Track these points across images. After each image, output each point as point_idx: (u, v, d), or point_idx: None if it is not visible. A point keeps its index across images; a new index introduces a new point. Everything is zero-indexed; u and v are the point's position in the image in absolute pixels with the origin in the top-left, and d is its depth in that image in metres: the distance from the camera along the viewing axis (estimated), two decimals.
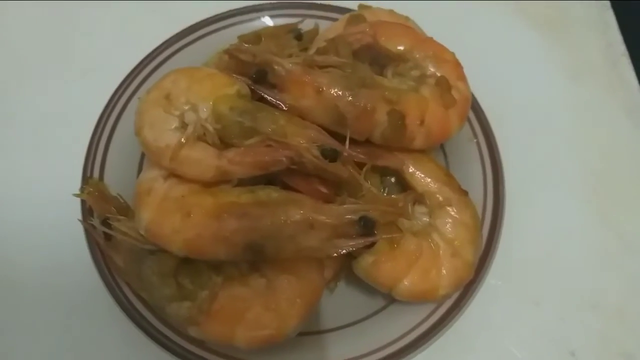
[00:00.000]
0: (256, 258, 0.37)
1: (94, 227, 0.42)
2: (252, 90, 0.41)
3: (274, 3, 0.53)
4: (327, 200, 0.39)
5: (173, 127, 0.39)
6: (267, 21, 0.52)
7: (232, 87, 0.40)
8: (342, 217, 0.37)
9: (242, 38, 0.47)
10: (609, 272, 0.49)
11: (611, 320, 0.47)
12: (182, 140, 0.38)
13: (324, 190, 0.40)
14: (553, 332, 0.47)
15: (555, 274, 0.49)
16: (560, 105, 0.57)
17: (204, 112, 0.39)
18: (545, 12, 0.62)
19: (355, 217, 0.37)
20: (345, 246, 0.37)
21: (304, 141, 0.38)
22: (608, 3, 0.62)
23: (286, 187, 0.40)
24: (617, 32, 0.61)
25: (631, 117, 0.56)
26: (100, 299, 0.43)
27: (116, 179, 0.46)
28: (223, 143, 0.39)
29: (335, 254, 0.37)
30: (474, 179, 0.47)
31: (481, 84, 0.48)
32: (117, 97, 0.48)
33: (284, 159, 0.38)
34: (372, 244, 0.39)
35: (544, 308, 0.47)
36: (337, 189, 0.40)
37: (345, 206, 0.38)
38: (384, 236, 0.38)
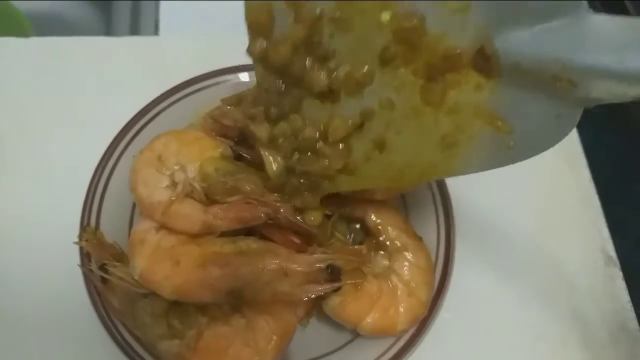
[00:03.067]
0: (237, 302, 0.41)
1: (91, 271, 0.46)
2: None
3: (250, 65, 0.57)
4: (300, 249, 0.43)
5: (164, 185, 0.44)
6: (244, 77, 0.56)
7: (217, 150, 0.45)
8: (312, 265, 0.42)
9: (225, 101, 0.50)
10: (552, 304, 0.54)
11: (555, 348, 0.52)
12: (172, 197, 0.43)
13: (296, 240, 0.44)
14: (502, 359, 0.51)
15: (503, 306, 0.53)
16: None
17: (192, 172, 0.44)
18: None
19: (323, 265, 0.42)
20: (315, 291, 0.41)
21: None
22: None
23: (263, 237, 0.45)
24: None
25: (571, 166, 0.61)
26: (97, 336, 0.45)
27: (111, 227, 0.49)
28: (208, 199, 0.44)
29: (306, 298, 0.42)
30: (429, 224, 0.51)
31: None
32: (110, 151, 0.52)
33: (262, 215, 0.43)
34: (339, 289, 0.43)
35: (492, 337, 0.52)
36: (308, 239, 0.45)
37: (315, 256, 0.42)
38: (349, 282, 0.43)
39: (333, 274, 0.42)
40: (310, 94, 0.41)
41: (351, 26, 0.37)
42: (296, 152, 0.43)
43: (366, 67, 0.38)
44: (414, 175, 0.40)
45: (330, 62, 0.39)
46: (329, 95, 0.40)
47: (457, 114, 0.37)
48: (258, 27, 0.39)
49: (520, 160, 0.36)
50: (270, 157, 0.43)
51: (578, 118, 0.33)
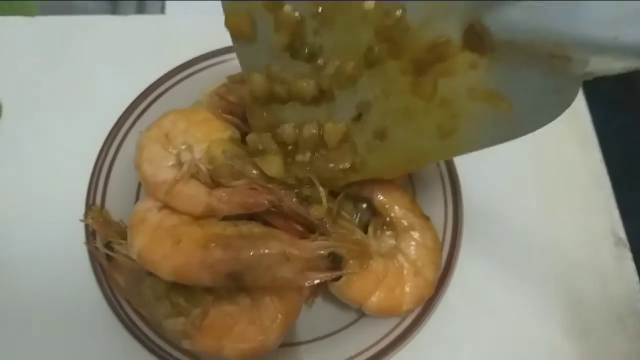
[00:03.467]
0: (236, 285, 0.41)
1: (97, 249, 0.46)
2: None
3: None
4: (302, 237, 0.43)
5: (170, 164, 0.44)
6: None
7: (225, 132, 0.45)
8: (313, 251, 0.41)
9: (231, 78, 0.50)
10: (558, 287, 0.53)
11: (559, 331, 0.51)
12: (177, 177, 0.43)
13: (299, 228, 0.44)
14: (506, 342, 0.51)
15: (508, 289, 0.52)
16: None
17: (199, 153, 0.44)
18: None
19: (325, 252, 0.42)
20: (315, 278, 0.41)
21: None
22: None
23: (266, 223, 0.44)
24: None
25: (582, 147, 0.61)
26: (101, 314, 0.46)
27: (116, 206, 0.49)
28: (213, 182, 0.43)
29: (306, 285, 0.41)
30: (437, 203, 0.51)
31: None
32: (116, 129, 0.52)
33: (265, 202, 0.43)
34: (339, 278, 0.43)
35: (497, 321, 0.51)
36: (311, 228, 0.44)
37: (317, 242, 0.42)
38: (348, 272, 0.43)
39: (334, 262, 0.42)
40: (304, 103, 0.41)
41: (334, 20, 0.37)
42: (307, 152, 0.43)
43: (354, 62, 0.38)
44: (419, 160, 0.40)
45: (319, 59, 0.39)
46: (323, 97, 0.40)
47: (450, 104, 0.37)
48: (239, 32, 0.39)
49: (523, 134, 0.35)
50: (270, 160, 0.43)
51: (577, 91, 0.32)
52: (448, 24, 0.34)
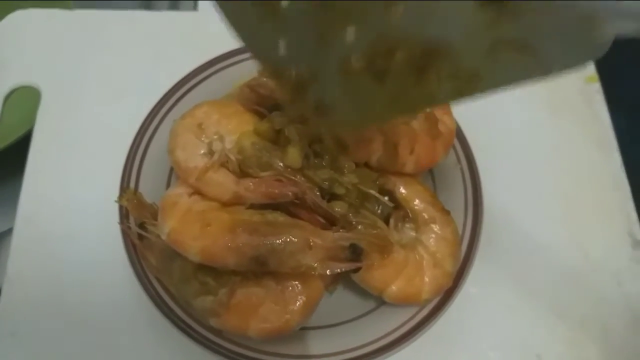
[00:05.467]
0: (260, 269, 0.43)
1: (129, 228, 0.49)
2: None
3: None
4: (324, 229, 0.45)
5: (201, 152, 0.46)
6: None
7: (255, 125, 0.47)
8: (335, 242, 0.43)
9: (262, 72, 0.51)
10: (575, 285, 0.54)
11: (575, 328, 0.52)
12: (208, 165, 0.45)
13: (321, 220, 0.45)
14: (523, 336, 0.52)
15: (527, 285, 0.54)
16: (539, 137, 0.62)
17: (229, 143, 0.46)
18: None
19: (346, 243, 0.43)
20: (335, 267, 0.43)
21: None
22: None
23: (290, 213, 0.46)
24: (594, 70, 0.66)
25: (602, 150, 0.62)
26: (132, 291, 0.48)
27: (148, 190, 0.51)
28: (242, 171, 0.45)
29: (326, 274, 0.43)
30: (457, 199, 0.53)
31: (468, 118, 0.54)
32: (151, 116, 0.54)
33: (290, 193, 0.44)
34: (358, 269, 0.44)
35: (515, 315, 0.52)
36: (332, 221, 0.46)
37: (338, 233, 0.44)
38: (368, 264, 0.44)
39: (354, 253, 0.43)
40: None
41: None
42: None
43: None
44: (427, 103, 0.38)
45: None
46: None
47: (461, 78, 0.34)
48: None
49: (546, 76, 0.33)
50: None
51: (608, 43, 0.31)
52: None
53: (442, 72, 0.35)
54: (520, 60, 0.33)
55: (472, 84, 0.35)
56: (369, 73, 0.35)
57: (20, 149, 0.58)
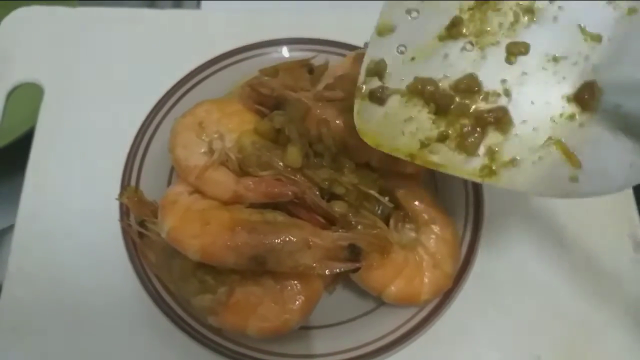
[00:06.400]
0: (259, 268, 0.42)
1: (130, 226, 0.49)
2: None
3: (291, 39, 0.58)
4: (323, 228, 0.45)
5: (202, 150, 0.46)
6: (285, 53, 0.58)
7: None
8: (335, 241, 0.43)
9: (263, 71, 0.52)
10: (575, 287, 0.54)
11: (575, 330, 0.52)
12: (208, 163, 0.45)
13: (321, 220, 0.45)
14: (522, 337, 0.51)
15: (527, 286, 0.53)
16: None
17: (230, 142, 0.46)
18: None
19: (345, 243, 0.43)
20: (334, 267, 0.43)
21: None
22: None
23: (289, 212, 0.46)
24: None
25: None
26: (131, 288, 0.48)
27: (149, 188, 0.51)
28: (242, 170, 0.45)
29: (325, 274, 0.43)
30: (459, 200, 0.52)
31: None
32: (152, 115, 0.54)
33: (289, 193, 0.44)
34: (357, 269, 0.44)
35: (515, 315, 0.52)
36: (332, 221, 0.46)
37: (337, 233, 0.44)
38: (366, 264, 0.44)
39: (353, 253, 0.43)
40: None
41: None
42: None
43: None
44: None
45: None
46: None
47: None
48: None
49: (581, 197, 0.35)
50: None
51: None
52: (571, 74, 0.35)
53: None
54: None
55: (498, 171, 0.37)
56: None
57: (22, 145, 0.58)
